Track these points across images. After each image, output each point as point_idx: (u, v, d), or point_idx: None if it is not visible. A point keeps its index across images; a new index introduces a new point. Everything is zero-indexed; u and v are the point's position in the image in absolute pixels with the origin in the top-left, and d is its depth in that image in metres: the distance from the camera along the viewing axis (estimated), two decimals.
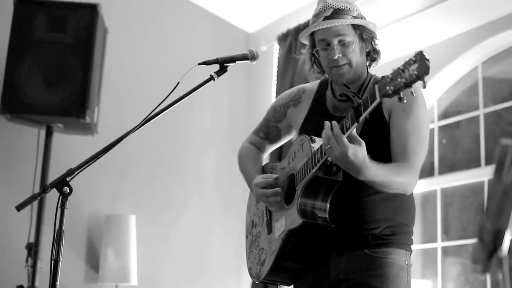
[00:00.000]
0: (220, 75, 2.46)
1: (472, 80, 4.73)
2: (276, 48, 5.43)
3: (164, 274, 5.01)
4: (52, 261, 2.15)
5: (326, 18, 2.49)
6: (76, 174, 2.22)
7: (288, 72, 5.16)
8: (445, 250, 4.66)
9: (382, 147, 2.45)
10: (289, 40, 5.19)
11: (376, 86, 2.07)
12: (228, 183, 5.44)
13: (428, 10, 4.42)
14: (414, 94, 2.02)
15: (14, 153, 4.53)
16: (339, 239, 2.47)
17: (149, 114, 2.37)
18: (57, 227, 2.17)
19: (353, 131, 2.18)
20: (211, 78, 2.44)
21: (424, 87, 1.93)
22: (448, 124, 4.87)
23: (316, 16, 2.53)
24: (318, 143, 2.38)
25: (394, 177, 2.32)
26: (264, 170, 2.82)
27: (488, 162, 4.46)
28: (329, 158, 2.26)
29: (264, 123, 2.89)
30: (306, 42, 2.65)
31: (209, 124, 5.60)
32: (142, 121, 2.34)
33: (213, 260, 5.31)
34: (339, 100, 2.59)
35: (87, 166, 2.26)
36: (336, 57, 2.47)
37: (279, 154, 4.46)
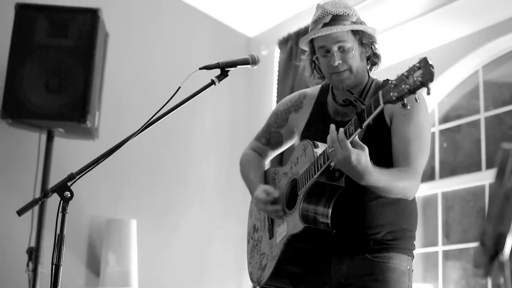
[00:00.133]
0: (221, 79, 2.46)
1: (473, 84, 4.73)
2: (276, 52, 5.44)
3: (165, 279, 5.00)
4: (53, 266, 2.15)
5: (325, 24, 2.49)
6: (77, 179, 2.22)
7: (288, 76, 5.16)
8: (446, 254, 4.66)
9: (384, 152, 2.45)
10: (290, 44, 5.19)
11: (380, 92, 2.07)
12: (229, 188, 5.44)
13: (429, 14, 4.43)
14: (418, 101, 2.01)
15: (15, 157, 4.53)
16: (341, 244, 2.47)
17: (150, 119, 2.37)
18: (58, 232, 2.17)
19: (356, 137, 2.18)
20: (212, 82, 2.45)
21: (429, 93, 1.93)
22: (449, 128, 4.87)
23: (315, 22, 2.53)
24: (321, 148, 2.38)
25: (395, 182, 2.32)
26: (266, 175, 2.82)
27: (489, 166, 4.46)
28: (332, 163, 2.26)
29: (266, 129, 2.89)
30: (306, 48, 2.65)
31: (210, 128, 5.60)
32: (143, 125, 2.34)
33: (214, 264, 5.30)
34: (340, 105, 2.60)
35: (88, 171, 2.26)
36: (336, 63, 2.48)
37: (279, 159, 4.46)
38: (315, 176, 2.33)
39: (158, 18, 5.40)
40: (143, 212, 4.97)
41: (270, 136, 2.87)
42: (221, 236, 5.35)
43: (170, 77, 4.82)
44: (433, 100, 4.86)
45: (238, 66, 2.52)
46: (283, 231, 2.52)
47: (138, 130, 2.33)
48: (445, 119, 4.91)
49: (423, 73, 1.92)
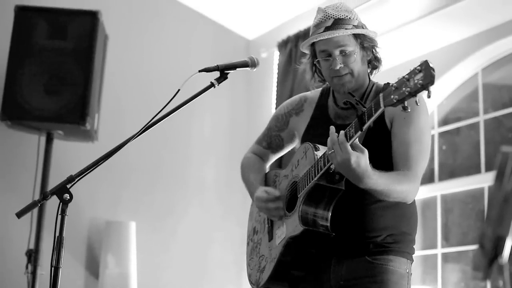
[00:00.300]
0: (221, 82, 2.46)
1: (472, 86, 4.74)
2: (276, 55, 5.44)
3: (164, 281, 5.00)
4: (52, 268, 2.15)
5: (327, 28, 2.48)
6: (77, 181, 2.22)
7: (288, 78, 5.16)
8: (445, 257, 4.66)
9: (384, 156, 2.45)
10: (289, 46, 5.20)
11: (381, 95, 2.07)
12: (228, 190, 5.44)
13: (429, 16, 4.43)
14: (419, 104, 2.02)
15: (14, 160, 4.53)
16: (340, 247, 2.47)
17: (150, 121, 2.37)
18: (57, 234, 2.17)
19: (356, 140, 2.18)
20: (212, 85, 2.44)
21: (429, 96, 1.93)
22: (448, 131, 4.87)
23: (317, 26, 2.53)
24: (321, 151, 2.38)
25: (394, 185, 2.32)
26: (267, 177, 2.83)
27: (488, 169, 4.46)
28: (332, 166, 2.26)
29: (267, 132, 2.89)
30: (307, 51, 2.65)
31: (209, 130, 5.60)
32: (143, 128, 2.34)
33: (213, 266, 5.30)
34: (341, 108, 2.60)
35: (88, 173, 2.26)
36: (337, 67, 2.48)
37: (279, 163, 4.46)
38: (315, 179, 2.34)
39: (157, 20, 5.40)
40: (142, 214, 4.97)
41: (271, 139, 2.87)
42: (221, 238, 5.35)
43: (169, 80, 4.82)
44: (433, 103, 4.86)
45: (237, 69, 2.51)
46: (282, 233, 2.51)
47: (137, 132, 2.33)
48: (444, 121, 4.91)
49: (424, 76, 1.92)
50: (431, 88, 1.92)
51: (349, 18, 2.51)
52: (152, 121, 2.37)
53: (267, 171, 2.90)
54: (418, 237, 2.62)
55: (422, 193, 4.69)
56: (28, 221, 4.03)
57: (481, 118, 4.61)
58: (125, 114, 4.97)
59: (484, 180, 4.45)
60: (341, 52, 2.48)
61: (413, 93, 1.96)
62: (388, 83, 2.48)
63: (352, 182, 2.27)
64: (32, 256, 3.94)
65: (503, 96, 4.60)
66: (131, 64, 5.15)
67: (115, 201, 4.91)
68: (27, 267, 3.95)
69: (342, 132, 2.19)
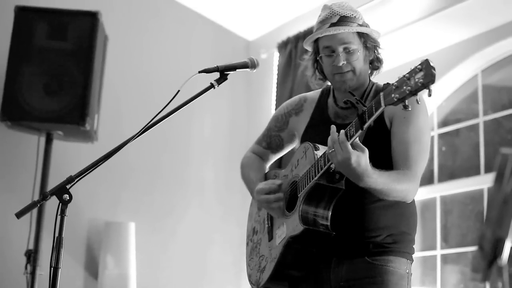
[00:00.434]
0: (221, 83, 2.46)
1: (472, 88, 4.74)
2: (276, 56, 5.44)
3: (164, 282, 5.00)
4: (52, 268, 2.15)
5: (333, 24, 2.50)
6: (76, 182, 2.22)
7: (288, 79, 5.16)
8: (445, 258, 4.66)
9: (384, 155, 2.45)
10: (289, 48, 5.20)
11: (381, 94, 2.08)
12: (227, 191, 5.44)
13: (429, 18, 4.43)
14: (419, 102, 2.02)
15: (14, 160, 4.52)
16: (341, 247, 2.47)
17: (150, 122, 2.37)
18: (56, 234, 2.17)
19: (356, 139, 2.18)
20: (212, 86, 2.44)
21: (430, 95, 1.93)
22: (448, 132, 4.87)
23: (322, 22, 2.54)
24: (321, 150, 2.39)
25: (394, 184, 2.33)
26: (266, 177, 2.83)
27: (487, 170, 4.46)
28: (332, 165, 2.26)
29: (266, 132, 2.90)
30: (309, 48, 2.65)
31: (209, 131, 5.60)
32: (142, 128, 2.34)
33: (212, 267, 5.30)
34: (341, 108, 2.61)
35: (87, 174, 2.26)
36: (340, 64, 2.49)
37: (278, 163, 4.47)
38: (315, 178, 2.34)
39: (157, 21, 5.40)
40: (141, 215, 4.97)
41: (271, 139, 2.87)
42: (220, 239, 5.35)
43: (169, 81, 4.82)
44: (432, 104, 4.87)
45: (237, 70, 2.51)
46: (282, 233, 2.51)
47: (137, 133, 2.33)
48: (444, 123, 4.91)
49: (424, 75, 1.93)
50: (432, 86, 1.93)
51: (355, 16, 2.53)
52: (152, 121, 2.37)
53: (266, 171, 2.90)
54: (417, 238, 2.62)
55: (422, 194, 4.69)
56: (28, 222, 4.03)
57: (480, 120, 4.61)
58: (125, 115, 4.97)
59: (483, 182, 4.45)
60: (345, 49, 2.50)
61: (414, 92, 1.96)
62: (388, 83, 2.49)
63: (352, 182, 2.28)
64: (32, 256, 3.94)
65: (503, 98, 4.60)
66: (131, 65, 5.15)
67: (115, 202, 4.91)
68: (26, 268, 3.95)
69: (342, 131, 2.20)
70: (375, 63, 2.62)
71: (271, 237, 2.63)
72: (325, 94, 2.73)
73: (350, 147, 2.16)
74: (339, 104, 2.62)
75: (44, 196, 2.18)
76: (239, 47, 5.85)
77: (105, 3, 4.71)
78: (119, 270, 4.53)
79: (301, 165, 2.50)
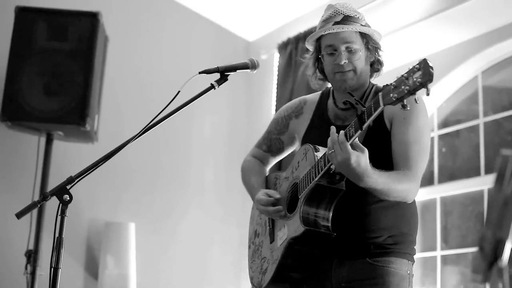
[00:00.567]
0: (221, 83, 2.46)
1: (472, 89, 4.74)
2: (276, 57, 5.44)
3: (164, 282, 5.00)
4: (52, 269, 2.15)
5: (336, 23, 2.51)
6: (76, 182, 2.22)
7: (288, 80, 5.16)
8: (445, 259, 4.66)
9: (384, 156, 2.46)
10: (289, 48, 5.20)
11: (380, 94, 2.08)
12: (227, 191, 5.44)
13: (429, 19, 4.43)
14: (418, 102, 2.02)
15: (14, 160, 4.53)
16: (342, 248, 2.48)
17: (150, 122, 2.36)
18: (56, 235, 2.17)
19: (356, 139, 2.19)
20: (212, 86, 2.44)
21: (428, 94, 1.93)
22: (448, 133, 4.87)
23: (326, 21, 2.55)
24: (321, 152, 2.39)
25: (395, 185, 2.33)
26: (267, 180, 2.84)
27: (488, 171, 4.46)
28: (332, 166, 2.27)
29: (267, 136, 2.90)
30: (311, 47, 2.66)
31: (209, 132, 5.60)
32: (143, 129, 2.34)
33: (212, 268, 5.30)
34: (341, 109, 2.61)
35: (87, 174, 2.26)
36: (342, 62, 2.49)
37: (278, 165, 4.47)
38: (316, 179, 2.34)
39: (157, 21, 5.41)
40: (141, 215, 4.97)
41: (271, 143, 2.88)
42: (220, 240, 5.35)
43: (169, 81, 4.83)
44: (432, 105, 4.87)
45: (237, 70, 2.52)
46: (284, 234, 2.52)
47: (137, 134, 2.33)
48: (444, 124, 4.91)
49: (422, 74, 1.93)
50: (430, 86, 1.93)
51: (358, 17, 2.55)
52: (152, 122, 2.37)
53: (267, 174, 2.91)
54: (418, 239, 2.63)
55: (422, 195, 4.69)
56: (28, 222, 4.03)
57: (481, 121, 4.61)
58: (125, 115, 4.97)
59: (483, 183, 4.45)
60: (347, 48, 2.51)
61: (412, 91, 1.97)
62: (387, 85, 2.50)
63: (352, 183, 2.28)
64: (32, 256, 3.94)
65: (503, 99, 4.60)
66: (131, 66, 5.15)
67: (115, 202, 4.91)
68: (26, 268, 3.95)
69: (342, 131, 2.20)
70: (375, 65, 2.63)
71: (272, 239, 2.64)
72: (324, 96, 2.74)
73: (349, 147, 2.17)
74: (339, 105, 2.63)
75: (44, 196, 2.18)
76: (240, 47, 5.85)
77: (106, 4, 4.71)
78: (119, 271, 4.53)
79: (302, 167, 2.50)
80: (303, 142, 2.68)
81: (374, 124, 2.19)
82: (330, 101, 2.69)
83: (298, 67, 4.96)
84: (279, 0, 5.35)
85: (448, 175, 4.79)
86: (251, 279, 2.76)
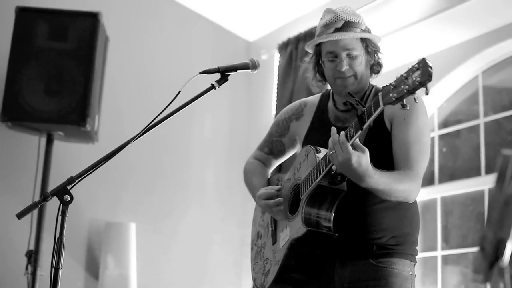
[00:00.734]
0: (221, 84, 2.46)
1: (472, 89, 4.74)
2: (276, 57, 5.44)
3: (164, 282, 5.00)
4: (52, 269, 2.15)
5: (337, 29, 2.51)
6: (77, 182, 2.22)
7: (288, 80, 5.16)
8: (445, 259, 4.66)
9: (385, 156, 2.46)
10: (290, 48, 5.20)
11: (380, 94, 2.09)
12: (228, 191, 5.44)
13: (429, 19, 4.43)
14: (417, 101, 2.03)
15: (15, 161, 4.53)
16: (344, 249, 2.48)
17: (150, 123, 2.37)
18: (57, 235, 2.17)
19: (357, 140, 2.19)
20: (212, 87, 2.45)
21: (427, 93, 1.94)
22: (449, 133, 4.87)
23: (326, 26, 2.54)
24: (323, 153, 2.40)
25: (396, 185, 2.34)
26: (269, 182, 2.85)
27: (488, 171, 4.46)
28: (334, 167, 2.27)
29: (268, 138, 2.92)
30: (311, 51, 2.66)
31: (209, 132, 5.60)
32: (143, 129, 2.34)
33: (213, 268, 5.30)
34: (341, 111, 2.62)
35: (88, 174, 2.26)
36: (343, 69, 2.50)
37: (278, 167, 4.48)
38: (317, 180, 2.35)
39: (158, 22, 5.41)
40: (142, 215, 4.97)
41: (273, 145, 2.89)
42: (220, 240, 5.35)
43: (170, 81, 4.83)
44: (433, 105, 4.87)
45: (238, 71, 2.52)
46: (286, 235, 2.53)
47: (138, 134, 2.33)
48: (444, 124, 4.91)
49: (421, 73, 1.94)
50: (429, 85, 1.94)
51: (358, 22, 2.54)
52: (153, 122, 2.37)
53: (269, 176, 2.92)
54: (418, 239, 2.63)
55: (422, 195, 4.69)
56: (28, 222, 4.03)
57: (481, 121, 4.61)
58: (126, 116, 4.97)
59: (484, 183, 4.45)
60: (348, 54, 2.51)
61: (412, 91, 1.97)
62: (387, 85, 2.50)
63: (354, 183, 2.29)
64: (32, 257, 3.94)
65: (503, 99, 4.60)
66: (131, 66, 5.16)
67: (115, 202, 4.91)
68: (27, 268, 3.95)
69: (342, 132, 2.21)
70: (375, 67, 2.64)
71: (274, 240, 2.65)
72: (325, 98, 2.75)
73: (350, 147, 2.17)
74: (339, 107, 2.64)
75: (45, 196, 2.18)
76: (240, 48, 5.86)
77: (106, 4, 4.71)
78: (119, 271, 4.53)
79: (303, 168, 2.51)
80: (304, 144, 2.68)
81: (375, 124, 2.20)
82: (330, 103, 2.70)
83: (298, 67, 4.96)
84: (279, 0, 5.35)
85: (449, 175, 4.79)
86: (254, 280, 2.77)
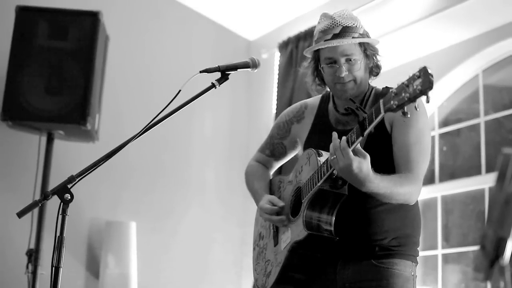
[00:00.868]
0: (222, 83, 2.47)
1: (472, 88, 4.74)
2: (277, 56, 5.44)
3: (165, 281, 5.00)
4: (53, 268, 2.15)
5: (335, 36, 2.51)
6: (77, 181, 2.22)
7: (289, 79, 5.17)
8: (446, 257, 4.66)
9: (385, 159, 2.47)
10: (290, 47, 5.20)
11: (381, 101, 2.10)
12: (228, 191, 5.44)
13: (429, 18, 4.43)
14: (418, 109, 2.04)
15: (15, 160, 4.53)
16: (346, 250, 2.49)
17: (151, 122, 2.37)
18: (58, 234, 2.16)
19: (358, 145, 2.20)
20: (213, 86, 2.45)
21: (428, 101, 1.95)
22: (449, 132, 4.87)
23: (324, 32, 2.54)
24: (324, 156, 2.41)
25: (397, 188, 2.35)
26: (271, 183, 2.87)
27: (488, 170, 4.46)
28: (335, 172, 2.28)
29: (269, 140, 2.93)
30: (309, 56, 2.66)
31: (209, 131, 5.60)
32: (143, 128, 2.34)
33: (213, 267, 5.30)
34: (342, 114, 2.63)
35: (88, 173, 2.26)
36: (343, 74, 2.51)
37: (279, 170, 4.48)
38: (318, 184, 2.36)
39: (158, 21, 5.40)
40: (142, 214, 4.97)
41: (274, 147, 2.90)
42: (221, 239, 5.35)
43: (170, 80, 4.83)
44: (433, 104, 4.87)
45: (238, 70, 2.52)
46: (287, 238, 2.54)
47: (138, 133, 2.33)
48: (445, 123, 4.91)
49: (422, 82, 1.95)
50: (430, 93, 1.95)
51: (356, 26, 2.53)
52: (153, 121, 2.37)
53: (271, 178, 2.93)
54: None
55: (423, 194, 4.67)
56: (29, 221, 4.03)
57: (481, 120, 4.61)
58: (126, 115, 4.97)
59: (484, 182, 4.45)
60: (347, 60, 2.51)
61: (412, 99, 1.98)
62: (387, 87, 2.54)
63: (355, 187, 2.30)
64: (33, 256, 3.94)
65: (504, 98, 4.60)
66: (132, 65, 5.16)
67: (116, 201, 4.92)
68: (27, 267, 3.95)
69: (344, 138, 2.22)
70: (374, 70, 2.64)
71: (276, 242, 2.66)
72: (325, 100, 2.76)
73: (351, 153, 2.19)
74: (340, 110, 2.65)
75: (45, 195, 2.18)
76: (240, 47, 5.86)
77: (106, 3, 4.71)
78: (120, 270, 4.54)
79: (305, 171, 2.52)
80: (305, 146, 2.70)
81: (375, 128, 2.21)
82: (331, 106, 2.70)
83: (298, 66, 4.95)
84: None
85: (449, 174, 4.80)
86: (256, 281, 2.79)
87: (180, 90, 2.35)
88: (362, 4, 4.48)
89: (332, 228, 2.41)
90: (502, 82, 4.63)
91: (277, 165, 2.97)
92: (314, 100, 2.80)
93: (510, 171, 1.19)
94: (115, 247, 4.59)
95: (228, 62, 2.53)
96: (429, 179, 4.79)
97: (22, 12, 4.07)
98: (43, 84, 3.98)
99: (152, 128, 2.37)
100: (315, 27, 2.65)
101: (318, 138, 2.65)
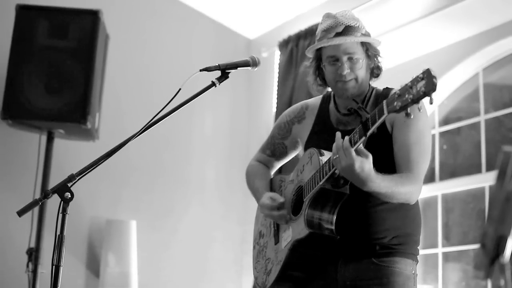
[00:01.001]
0: (222, 81, 2.47)
1: (473, 86, 4.74)
2: (277, 54, 5.44)
3: (165, 280, 5.01)
4: (53, 266, 2.15)
5: (338, 34, 2.52)
6: (78, 180, 2.23)
7: (289, 78, 5.17)
8: (446, 256, 4.66)
9: (386, 159, 2.49)
10: (290, 46, 5.20)
11: (384, 102, 2.11)
12: (228, 189, 5.44)
13: (430, 16, 4.43)
14: (421, 110, 2.05)
15: (15, 158, 4.53)
16: (347, 249, 2.50)
17: (151, 120, 2.37)
18: (58, 233, 2.17)
19: (360, 145, 2.21)
20: (213, 84, 2.45)
21: (431, 103, 1.96)
22: (449, 130, 4.87)
23: (326, 31, 2.55)
24: (326, 156, 2.43)
25: (397, 188, 2.36)
26: (272, 182, 2.88)
27: (489, 168, 4.46)
28: (337, 171, 2.29)
29: (270, 140, 2.94)
30: (311, 55, 2.67)
31: (210, 129, 5.60)
32: (144, 127, 2.34)
33: (213, 265, 5.30)
34: (343, 114, 2.64)
35: (89, 172, 2.27)
36: (345, 72, 2.52)
37: (279, 169, 4.49)
38: (320, 183, 2.37)
39: (158, 20, 5.40)
40: (143, 213, 4.97)
41: (275, 147, 2.91)
42: (221, 237, 5.36)
43: (170, 79, 4.83)
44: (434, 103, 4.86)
45: (238, 68, 2.52)
46: (288, 236, 2.55)
47: (138, 132, 2.33)
48: (445, 121, 4.91)
49: (426, 84, 1.96)
50: (433, 95, 1.96)
51: (358, 26, 2.55)
52: (153, 120, 2.37)
53: (271, 177, 2.94)
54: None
55: (423, 192, 4.66)
56: (29, 220, 4.03)
57: (482, 118, 4.61)
58: (126, 113, 4.97)
59: (484, 180, 4.45)
60: (349, 58, 2.53)
61: (416, 100, 2.00)
62: (387, 88, 2.57)
63: (356, 186, 2.31)
64: (33, 254, 3.94)
65: (504, 96, 4.60)
66: (132, 63, 5.16)
67: (116, 200, 4.92)
68: (28, 266, 3.95)
69: (346, 137, 2.24)
70: (375, 71, 2.65)
71: (277, 240, 2.67)
72: (326, 100, 2.77)
73: (354, 153, 2.20)
74: (341, 110, 2.66)
75: (45, 194, 2.18)
76: (240, 45, 5.86)
77: (106, 2, 4.71)
78: (120, 268, 4.54)
79: (307, 170, 2.52)
80: (306, 147, 2.71)
81: (377, 128, 2.22)
82: (332, 106, 2.71)
83: (299, 65, 4.96)
84: None
85: (449, 172, 4.80)
86: (256, 279, 2.80)
87: (180, 89, 2.36)
88: (362, 3, 4.48)
89: (333, 227, 2.42)
90: (502, 80, 4.63)
91: (278, 165, 2.98)
92: (315, 100, 2.81)
93: (511, 169, 1.19)
94: (115, 245, 4.59)
95: (228, 60, 2.53)
96: (430, 178, 4.79)
97: (22, 11, 4.07)
98: (43, 83, 3.98)
99: (152, 127, 2.37)
100: (315, 25, 2.67)
101: (319, 138, 2.66)
